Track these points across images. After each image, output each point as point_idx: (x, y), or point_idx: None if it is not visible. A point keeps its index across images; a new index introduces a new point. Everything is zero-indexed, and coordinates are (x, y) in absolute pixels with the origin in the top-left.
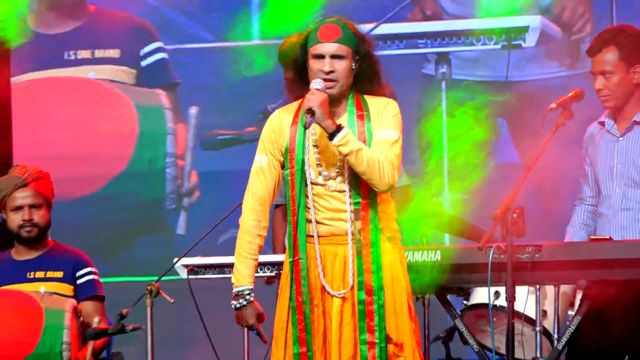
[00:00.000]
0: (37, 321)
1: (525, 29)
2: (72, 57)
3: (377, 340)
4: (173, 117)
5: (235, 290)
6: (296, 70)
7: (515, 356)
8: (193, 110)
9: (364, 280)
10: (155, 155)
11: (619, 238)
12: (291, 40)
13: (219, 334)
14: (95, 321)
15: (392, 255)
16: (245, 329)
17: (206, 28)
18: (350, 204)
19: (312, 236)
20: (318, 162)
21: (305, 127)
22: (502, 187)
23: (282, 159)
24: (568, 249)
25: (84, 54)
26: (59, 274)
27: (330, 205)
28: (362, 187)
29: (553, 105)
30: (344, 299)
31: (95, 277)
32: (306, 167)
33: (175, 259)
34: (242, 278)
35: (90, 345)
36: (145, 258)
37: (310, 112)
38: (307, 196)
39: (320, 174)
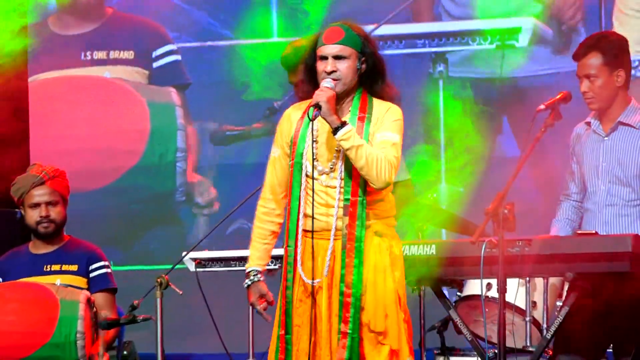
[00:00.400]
0: (53, 312)
1: (518, 30)
2: (88, 58)
3: (349, 331)
4: (183, 114)
5: (246, 271)
6: (306, 72)
7: (506, 345)
8: (211, 125)
9: (345, 273)
10: (166, 149)
11: (604, 233)
12: (294, 45)
13: (226, 323)
14: (102, 315)
15: (379, 248)
16: (251, 317)
17: (224, 25)
18: (340, 200)
19: (305, 230)
20: (315, 157)
21: (311, 119)
22: (503, 180)
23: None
24: (556, 243)
25: (99, 54)
26: (74, 267)
27: (322, 200)
28: (352, 185)
29: (542, 106)
30: (329, 290)
31: (108, 270)
32: (304, 160)
33: (184, 253)
34: (251, 260)
35: (102, 336)
36: (156, 247)
37: (317, 106)
38: (305, 190)
39: (315, 168)
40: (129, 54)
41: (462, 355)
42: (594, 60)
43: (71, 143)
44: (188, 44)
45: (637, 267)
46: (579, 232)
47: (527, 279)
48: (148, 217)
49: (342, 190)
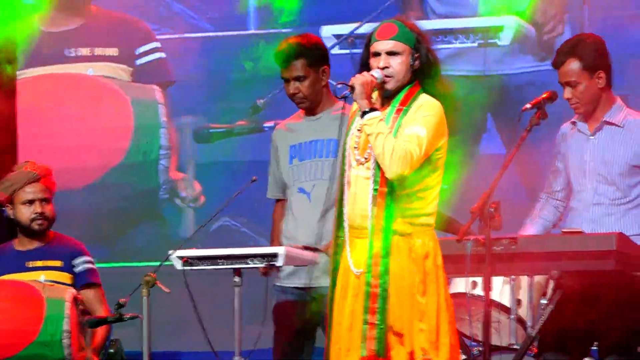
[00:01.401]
0: (39, 310)
1: (501, 28)
2: (72, 55)
3: (377, 322)
4: (166, 112)
5: None
6: (362, 69)
7: (492, 343)
8: (186, 120)
9: (372, 264)
10: (150, 147)
11: (590, 231)
12: (289, 41)
13: (212, 321)
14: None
15: (397, 249)
16: (238, 315)
17: (204, 17)
18: (372, 189)
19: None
20: (356, 145)
21: (338, 97)
22: (487, 178)
23: None
24: (541, 242)
25: (83, 51)
26: (59, 263)
27: (357, 189)
28: (382, 175)
29: (528, 105)
30: (359, 287)
31: (92, 265)
32: (347, 150)
33: (171, 251)
34: None
35: (88, 334)
36: (141, 244)
37: (351, 88)
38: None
39: (355, 157)
40: (113, 51)
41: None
42: (573, 66)
43: (56, 140)
44: (166, 36)
45: (621, 265)
46: (564, 230)
47: (512, 277)
48: (132, 214)
49: (373, 179)
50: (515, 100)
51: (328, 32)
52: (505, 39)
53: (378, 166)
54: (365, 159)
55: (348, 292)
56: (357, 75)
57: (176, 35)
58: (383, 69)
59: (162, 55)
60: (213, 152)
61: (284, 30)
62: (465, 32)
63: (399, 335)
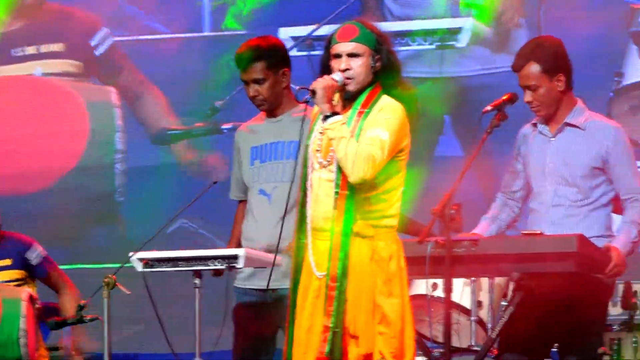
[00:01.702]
0: None
1: (458, 30)
2: (19, 54)
3: (331, 325)
4: (122, 114)
5: None
6: (322, 71)
7: (452, 344)
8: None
9: (330, 266)
10: (105, 151)
11: (551, 232)
12: (248, 43)
13: (172, 323)
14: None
15: (359, 251)
16: (198, 317)
17: (158, 19)
18: (334, 192)
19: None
20: (319, 148)
21: (300, 102)
22: (445, 179)
23: None
24: (502, 243)
25: (30, 50)
26: (8, 262)
27: (319, 192)
28: (343, 178)
29: (488, 107)
30: (319, 289)
31: (42, 252)
32: (310, 152)
33: (131, 253)
34: None
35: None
36: (99, 246)
37: (312, 92)
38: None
39: (318, 160)
40: (59, 47)
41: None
42: (532, 70)
43: (10, 145)
44: (119, 38)
45: (582, 267)
46: (525, 232)
47: (473, 278)
48: (89, 217)
49: (335, 183)
50: (472, 103)
51: (285, 34)
52: (462, 40)
53: (339, 169)
54: (328, 161)
55: (309, 294)
56: (319, 79)
57: (130, 38)
58: (344, 71)
59: (114, 39)
60: (171, 153)
61: (239, 33)
62: (423, 34)
63: (355, 337)
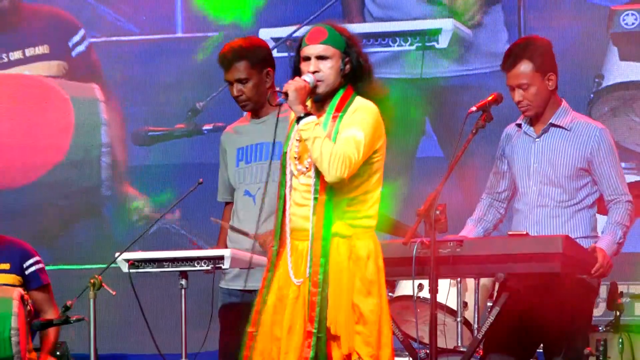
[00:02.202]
0: None
1: (438, 31)
2: (5, 60)
3: (314, 330)
4: (107, 109)
5: None
6: (293, 74)
7: (438, 345)
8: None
9: (312, 272)
10: (91, 144)
11: (535, 233)
12: (232, 44)
13: (159, 324)
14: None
15: (338, 251)
16: (184, 318)
17: (132, 21)
18: (312, 198)
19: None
20: (296, 155)
21: (272, 104)
22: (425, 180)
23: None
24: (487, 244)
25: (15, 55)
26: (6, 266)
27: (297, 199)
28: (321, 183)
29: (473, 108)
30: (299, 289)
31: (41, 265)
32: (287, 160)
33: (117, 254)
34: None
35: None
36: (83, 242)
37: (285, 94)
38: (289, 189)
39: (296, 167)
40: (44, 49)
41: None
42: (525, 68)
43: None
44: (92, 40)
45: (567, 268)
46: (510, 232)
47: (459, 279)
48: (74, 211)
49: (314, 189)
50: (453, 104)
51: (266, 35)
52: (442, 42)
53: (318, 175)
54: (307, 168)
55: (289, 294)
56: (290, 82)
57: (103, 39)
58: (314, 73)
59: (91, 40)
60: (151, 154)
61: (216, 34)
62: (404, 35)
63: (336, 338)
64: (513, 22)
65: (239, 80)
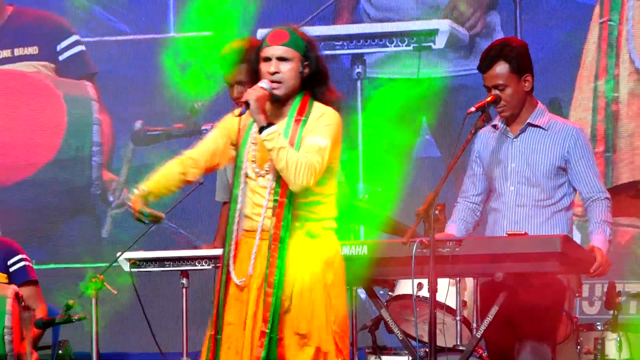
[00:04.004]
0: None
1: (435, 32)
2: None
3: (267, 331)
4: (99, 108)
5: None
6: (251, 73)
7: (437, 344)
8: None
9: (268, 273)
10: (83, 143)
11: (514, 232)
12: (232, 45)
13: (160, 323)
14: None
15: (310, 250)
16: (185, 316)
17: (124, 20)
18: (270, 200)
19: (246, 230)
20: (254, 159)
21: (236, 116)
22: (421, 180)
23: (229, 141)
24: (486, 244)
25: (4, 53)
26: None
27: (257, 201)
28: (282, 186)
29: (472, 109)
30: (258, 290)
31: (27, 262)
32: (244, 162)
33: (119, 253)
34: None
35: (28, 334)
36: (75, 241)
37: (246, 104)
38: (243, 191)
39: (253, 170)
40: (33, 50)
41: (394, 354)
42: (501, 69)
43: None
44: (85, 39)
45: (565, 267)
46: (509, 232)
47: (458, 278)
48: (65, 210)
49: (272, 191)
50: (450, 104)
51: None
52: (439, 42)
53: (278, 178)
54: (266, 171)
55: (251, 294)
56: (249, 91)
57: (96, 38)
58: (273, 74)
59: (83, 48)
60: (150, 154)
61: (208, 34)
62: (400, 35)
63: (304, 336)
64: (510, 24)
65: (240, 82)
